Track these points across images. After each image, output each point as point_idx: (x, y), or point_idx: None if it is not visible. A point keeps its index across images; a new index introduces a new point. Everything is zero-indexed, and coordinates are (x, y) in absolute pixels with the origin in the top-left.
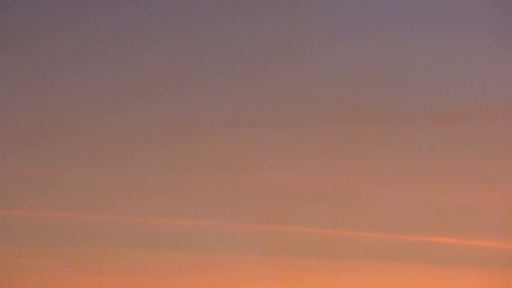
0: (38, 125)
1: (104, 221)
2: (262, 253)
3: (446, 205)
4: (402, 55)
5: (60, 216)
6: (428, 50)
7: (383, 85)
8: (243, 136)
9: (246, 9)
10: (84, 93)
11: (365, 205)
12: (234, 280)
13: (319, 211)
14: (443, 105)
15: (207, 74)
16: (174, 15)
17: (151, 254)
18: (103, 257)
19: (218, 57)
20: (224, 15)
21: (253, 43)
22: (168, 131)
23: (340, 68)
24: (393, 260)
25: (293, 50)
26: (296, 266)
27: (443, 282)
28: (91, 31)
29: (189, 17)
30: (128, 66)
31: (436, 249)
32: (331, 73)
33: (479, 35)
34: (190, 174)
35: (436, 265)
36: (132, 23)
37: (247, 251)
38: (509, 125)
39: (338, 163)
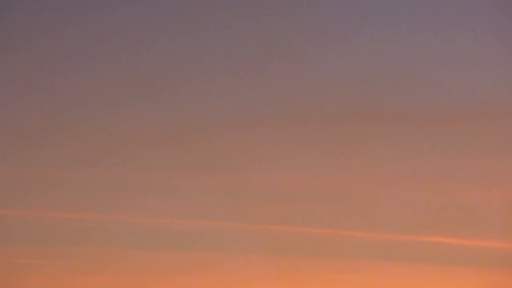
0: (38, 125)
1: (104, 221)
2: (262, 253)
3: (446, 205)
4: (402, 55)
5: (60, 216)
6: (428, 50)
7: (383, 85)
8: (243, 136)
9: (246, 9)
10: (84, 93)
11: (365, 205)
12: (234, 280)
13: (319, 211)
14: (443, 105)
15: (207, 74)
16: (174, 15)
17: (151, 254)
18: (103, 257)
19: (218, 57)
20: (224, 15)
21: (253, 43)
22: (168, 131)
23: (340, 68)
24: (393, 260)
25: (293, 50)
26: (296, 266)
27: (443, 282)
28: (91, 31)
29: (189, 17)
30: (128, 66)
31: (436, 249)
32: (331, 73)
33: (479, 35)
34: (190, 174)
35: (436, 265)
36: (132, 23)
37: (247, 251)
38: (509, 125)
39: (338, 163)
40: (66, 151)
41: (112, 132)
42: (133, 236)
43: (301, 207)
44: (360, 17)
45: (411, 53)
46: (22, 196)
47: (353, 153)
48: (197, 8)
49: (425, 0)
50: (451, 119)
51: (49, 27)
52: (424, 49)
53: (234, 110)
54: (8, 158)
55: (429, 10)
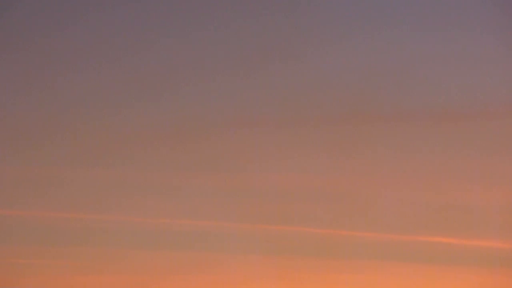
0: (38, 125)
1: (104, 221)
2: (262, 253)
3: (446, 205)
4: (402, 55)
5: (60, 216)
6: (428, 50)
7: (383, 85)
8: (243, 136)
9: (246, 9)
10: (84, 93)
11: (365, 205)
12: (234, 280)
13: (319, 211)
14: (443, 105)
15: (207, 74)
16: (174, 15)
17: (151, 254)
18: (103, 257)
19: (218, 57)
20: (224, 15)
21: (253, 43)
22: (168, 131)
23: (340, 68)
24: (393, 260)
25: (293, 50)
26: (296, 266)
27: (443, 282)
28: (92, 31)
29: (189, 17)
30: (128, 66)
31: (436, 249)
32: (331, 73)
33: (479, 35)
34: (190, 174)
35: (436, 265)
36: (132, 23)
37: (247, 251)
38: (509, 125)
39: (338, 163)
40: (66, 151)
41: (112, 132)
42: (133, 236)
43: (301, 207)
44: (360, 17)
45: (411, 53)
46: (22, 196)
47: (353, 153)
48: (197, 8)
49: (425, 0)
50: (451, 119)
51: (49, 27)
52: (424, 49)
53: (234, 110)
54: (8, 158)
55: (429, 10)
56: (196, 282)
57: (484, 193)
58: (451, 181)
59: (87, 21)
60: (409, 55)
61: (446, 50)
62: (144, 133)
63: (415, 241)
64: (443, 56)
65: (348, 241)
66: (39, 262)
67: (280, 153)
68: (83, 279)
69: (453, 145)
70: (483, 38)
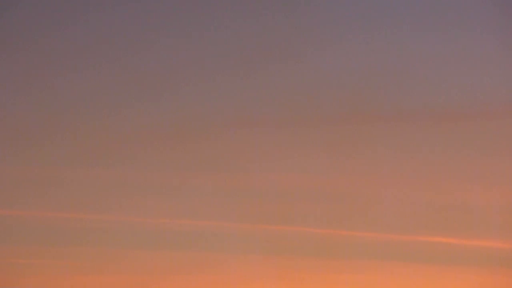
0: (38, 125)
1: (104, 221)
2: (262, 253)
3: (446, 205)
4: (402, 55)
5: (60, 216)
6: (428, 50)
7: (383, 85)
8: (243, 136)
9: (246, 9)
10: (84, 93)
11: (365, 205)
12: (234, 280)
13: (319, 211)
14: (443, 105)
15: (207, 74)
16: (174, 15)
17: (151, 254)
18: (103, 257)
19: (218, 57)
20: (224, 15)
21: (253, 43)
22: (168, 131)
23: (340, 68)
24: (393, 260)
25: (293, 50)
26: (296, 266)
27: (443, 282)
28: (91, 31)
29: (189, 17)
30: (128, 66)
31: (436, 249)
32: (331, 73)
33: (479, 35)
34: (190, 174)
35: (436, 265)
36: (132, 23)
37: (247, 251)
38: (509, 125)
39: (338, 163)
40: (66, 151)
41: (112, 132)
42: (133, 236)
43: (301, 207)
44: (360, 17)
45: (411, 53)
46: (22, 196)
47: (353, 153)
48: (197, 8)
49: (425, 0)
50: (451, 119)
51: (49, 27)
52: (424, 49)
53: (234, 110)
54: (8, 158)
55: (429, 10)
56: (196, 282)
57: (484, 193)
58: (451, 181)
59: (87, 21)
60: (409, 55)
61: (446, 50)
62: (144, 133)
63: (415, 241)
64: (443, 56)
65: (348, 241)
66: (39, 262)
67: (280, 153)
68: (83, 279)
69: (453, 145)
70: (483, 38)
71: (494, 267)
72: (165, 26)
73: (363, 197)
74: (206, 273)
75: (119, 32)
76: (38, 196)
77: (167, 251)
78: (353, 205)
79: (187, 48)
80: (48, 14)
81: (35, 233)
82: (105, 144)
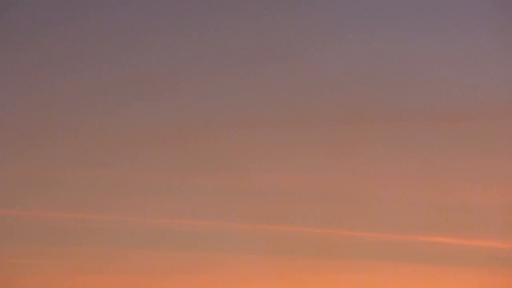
0: (38, 125)
1: (104, 221)
2: (262, 253)
3: (446, 205)
4: (402, 55)
5: (60, 216)
6: (428, 50)
7: (383, 85)
8: (243, 136)
9: (246, 9)
10: (84, 93)
11: (365, 205)
12: (234, 280)
13: (319, 211)
14: (443, 105)
15: (207, 74)
16: (174, 15)
17: (151, 254)
18: (103, 257)
19: (218, 57)
20: (224, 15)
21: (253, 43)
22: (168, 131)
23: (340, 68)
24: (393, 260)
25: (293, 50)
26: (296, 266)
27: (443, 282)
28: (91, 31)
29: (189, 17)
30: (128, 66)
31: (436, 249)
32: (331, 73)
33: (479, 35)
34: (190, 174)
35: (436, 265)
36: (132, 23)
37: (247, 251)
38: (509, 125)
39: (338, 163)
40: (66, 151)
41: (112, 132)
42: (133, 236)
43: (301, 207)
44: (360, 17)
45: (411, 53)
46: (22, 196)
47: (353, 153)
48: (197, 8)
49: (425, 0)
50: (451, 119)
51: (49, 27)
52: (424, 49)
53: (234, 110)
54: (8, 158)
55: (429, 10)
56: (196, 282)
57: (484, 193)
58: (451, 181)
59: (87, 21)
60: (409, 55)
61: (446, 50)
62: (144, 133)
63: (415, 241)
64: (443, 56)
65: (348, 241)
66: (39, 262)
67: (280, 153)
68: (83, 279)
69: (453, 145)
70: (483, 38)
71: (494, 267)
72: (165, 26)
73: (363, 197)
74: (206, 273)
75: (119, 32)
76: (38, 196)
77: (167, 251)
78: (353, 205)
79: (187, 48)
80: (48, 14)
81: (35, 233)
82: (105, 144)
